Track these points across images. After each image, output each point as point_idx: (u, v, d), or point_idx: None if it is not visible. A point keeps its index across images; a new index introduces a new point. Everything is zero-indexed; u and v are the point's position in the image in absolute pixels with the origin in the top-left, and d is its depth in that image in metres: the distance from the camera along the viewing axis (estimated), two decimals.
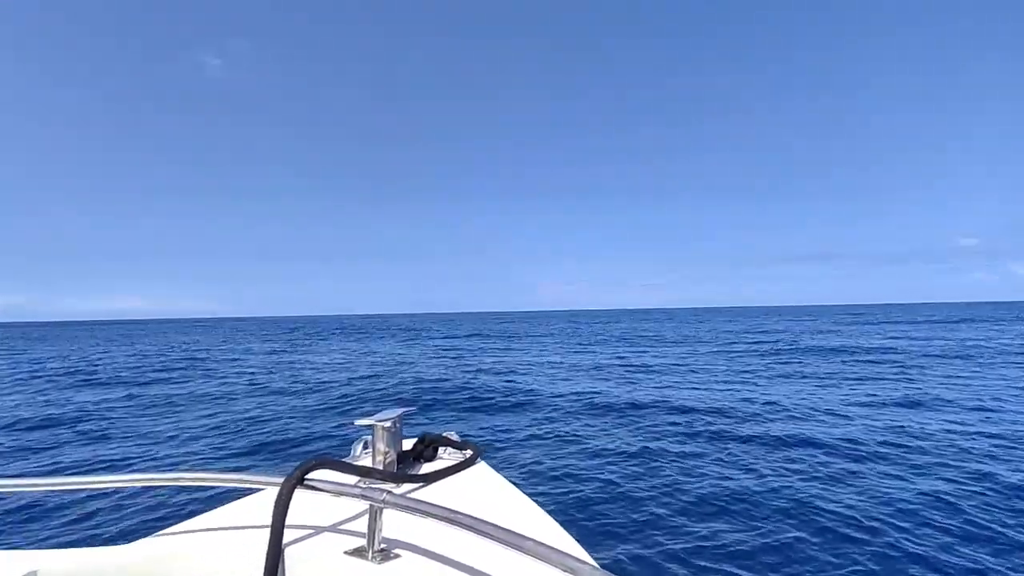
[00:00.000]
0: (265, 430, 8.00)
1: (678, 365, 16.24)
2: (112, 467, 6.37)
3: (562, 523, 1.32)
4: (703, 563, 3.76)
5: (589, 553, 1.07)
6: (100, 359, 21.58)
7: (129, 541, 1.24)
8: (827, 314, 74.69)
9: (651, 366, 16.07)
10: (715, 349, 21.71)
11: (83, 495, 4.64)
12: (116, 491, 4.64)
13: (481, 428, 7.88)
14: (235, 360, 20.29)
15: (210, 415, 9.34)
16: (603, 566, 0.75)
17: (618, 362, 17.43)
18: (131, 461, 6.60)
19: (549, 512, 1.39)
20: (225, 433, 7.95)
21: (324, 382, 13.25)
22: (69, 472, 5.99)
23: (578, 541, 1.20)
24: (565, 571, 0.74)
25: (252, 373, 15.66)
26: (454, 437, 1.86)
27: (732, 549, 3.96)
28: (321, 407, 9.85)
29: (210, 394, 11.64)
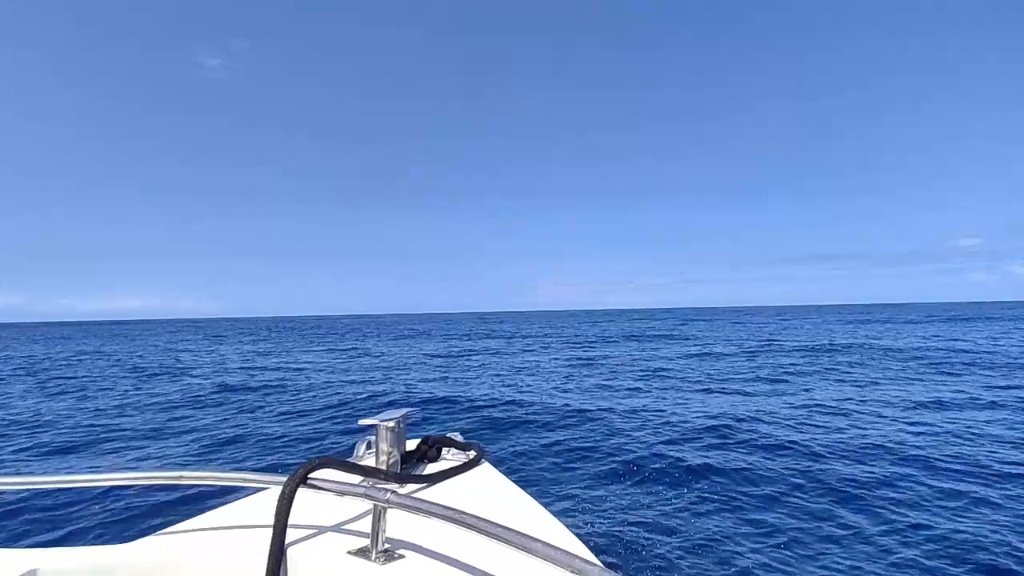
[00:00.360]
0: (219, 456, 6.45)
1: (705, 368, 14.69)
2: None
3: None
4: None
5: (596, 555, 1.02)
6: (75, 360, 20.11)
7: (130, 540, 1.19)
8: (834, 313, 72.95)
9: (671, 369, 14.55)
10: (734, 349, 20.16)
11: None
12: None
13: (499, 451, 6.38)
14: (216, 363, 18.80)
15: (154, 429, 7.80)
16: (609, 567, 0.73)
17: (633, 364, 15.93)
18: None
19: (559, 518, 1.32)
20: (158, 455, 6.44)
21: (312, 386, 11.76)
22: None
23: (584, 542, 1.15)
24: (573, 572, 0.72)
25: (228, 376, 14.15)
26: (457, 438, 1.81)
27: None
28: (295, 425, 8.32)
29: (173, 402, 10.13)
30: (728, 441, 6.33)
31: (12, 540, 3.84)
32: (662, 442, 6.32)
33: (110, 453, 6.48)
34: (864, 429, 6.84)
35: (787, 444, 6.13)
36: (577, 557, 0.73)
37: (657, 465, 5.49)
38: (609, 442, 6.41)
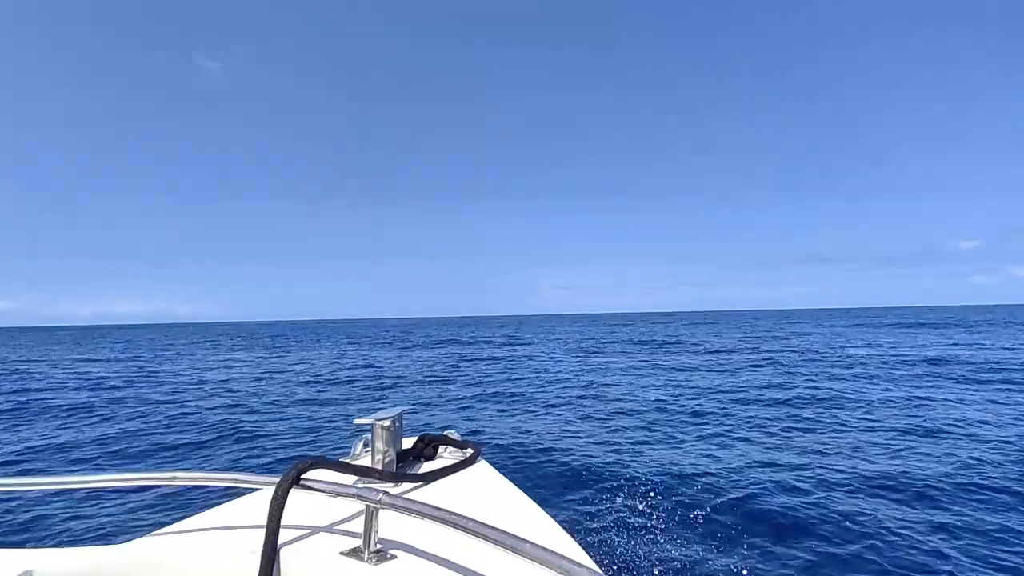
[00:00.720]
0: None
1: (737, 380, 13.04)
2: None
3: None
4: None
5: (591, 555, 1.00)
6: (48, 372, 18.52)
7: (124, 541, 1.18)
8: (838, 317, 71.19)
9: (698, 381, 12.95)
10: (757, 358, 18.52)
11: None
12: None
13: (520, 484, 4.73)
14: (193, 375, 17.21)
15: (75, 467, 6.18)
16: (604, 568, 0.74)
17: (654, 375, 14.34)
18: None
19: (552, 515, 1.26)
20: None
21: (294, 401, 10.16)
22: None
23: (579, 543, 1.11)
24: (562, 574, 0.69)
25: (196, 394, 12.53)
26: (454, 436, 1.76)
27: None
28: (259, 463, 6.71)
29: (123, 431, 8.52)
30: (836, 491, 4.63)
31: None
32: (742, 493, 4.63)
33: None
34: (997, 467, 5.23)
35: (920, 491, 4.51)
36: (567, 559, 0.70)
37: (743, 524, 3.89)
38: (657, 480, 4.82)
